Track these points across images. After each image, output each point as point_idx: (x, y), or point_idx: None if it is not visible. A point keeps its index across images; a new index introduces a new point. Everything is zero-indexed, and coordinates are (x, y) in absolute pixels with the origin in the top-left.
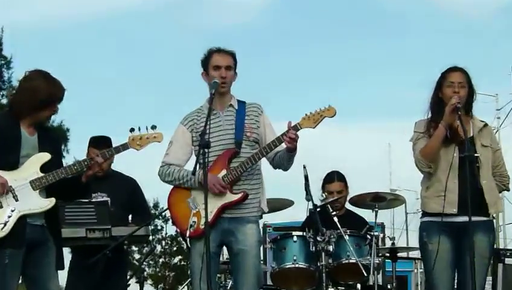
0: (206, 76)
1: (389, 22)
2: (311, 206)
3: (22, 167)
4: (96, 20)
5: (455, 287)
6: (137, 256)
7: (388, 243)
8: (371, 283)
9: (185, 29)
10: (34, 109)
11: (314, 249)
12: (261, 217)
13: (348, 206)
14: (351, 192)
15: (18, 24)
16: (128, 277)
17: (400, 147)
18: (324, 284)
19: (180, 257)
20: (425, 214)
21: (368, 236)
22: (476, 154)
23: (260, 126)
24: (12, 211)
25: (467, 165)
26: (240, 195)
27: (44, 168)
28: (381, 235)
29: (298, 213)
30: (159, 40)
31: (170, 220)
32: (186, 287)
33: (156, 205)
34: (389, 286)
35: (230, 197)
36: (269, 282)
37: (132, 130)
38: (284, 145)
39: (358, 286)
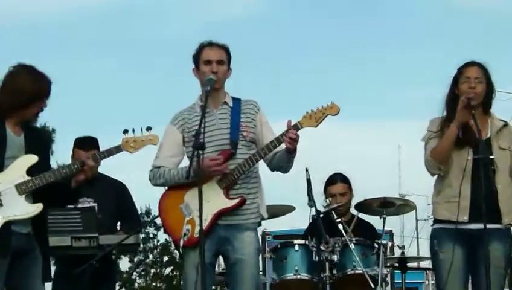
0: (197, 72)
1: (400, 19)
2: (314, 213)
3: (6, 169)
4: (83, 14)
5: None
6: (127, 265)
7: (397, 252)
8: None
9: (180, 24)
10: (19, 106)
11: (317, 259)
12: (259, 224)
13: (354, 212)
14: (357, 197)
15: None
16: (117, 289)
17: (411, 149)
18: None
19: (171, 267)
20: (436, 220)
21: (376, 245)
22: (491, 157)
23: (257, 125)
24: None
25: (480, 169)
26: (236, 200)
27: (31, 171)
28: (390, 243)
29: (300, 220)
30: (152, 34)
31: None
32: None
33: (148, 212)
34: None
35: (227, 203)
36: None
37: (126, 131)
38: (283, 146)
39: None
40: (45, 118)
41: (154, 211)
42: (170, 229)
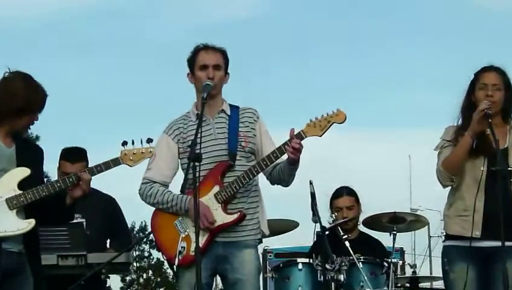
0: (192, 77)
1: (409, 18)
2: (318, 229)
3: None
4: (67, 17)
5: None
6: (118, 286)
7: (408, 272)
8: None
9: (172, 25)
10: (10, 114)
11: (322, 279)
12: (260, 241)
13: (362, 228)
14: (365, 212)
15: None
16: None
17: (423, 160)
18: None
19: (163, 288)
20: (447, 236)
21: (385, 263)
22: (509, 169)
23: (256, 134)
24: None
25: (498, 181)
26: (236, 215)
27: (23, 184)
28: (400, 262)
29: (304, 237)
30: (142, 37)
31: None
32: None
33: (143, 229)
34: None
35: (225, 218)
36: None
37: (125, 143)
38: (284, 157)
39: None
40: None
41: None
42: (164, 246)
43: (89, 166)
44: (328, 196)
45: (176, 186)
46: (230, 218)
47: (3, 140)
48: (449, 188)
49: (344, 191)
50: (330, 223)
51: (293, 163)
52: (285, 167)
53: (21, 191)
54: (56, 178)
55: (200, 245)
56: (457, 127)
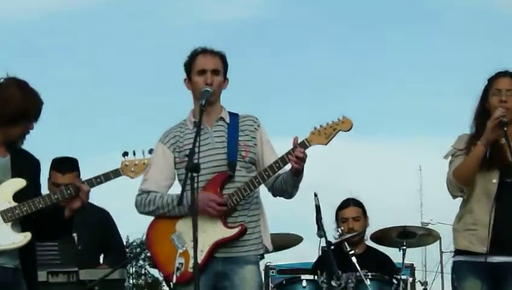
0: (189, 83)
1: (420, 15)
2: (323, 244)
3: None
4: (57, 18)
5: None
6: None
7: (419, 289)
8: None
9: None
10: (3, 123)
11: None
12: (262, 256)
13: (369, 243)
14: (373, 226)
15: None
16: None
17: (434, 170)
18: None
19: None
20: (456, 251)
21: (394, 280)
22: None
23: (257, 144)
24: None
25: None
26: (237, 229)
27: (18, 196)
28: (411, 279)
29: (308, 252)
30: (138, 37)
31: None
32: None
33: (141, 244)
34: None
35: (225, 232)
36: None
37: (126, 154)
38: (287, 168)
39: None
40: None
41: None
42: (161, 263)
43: (89, 177)
44: (334, 208)
45: None
46: (231, 232)
47: None
48: (461, 200)
49: (351, 202)
50: (336, 238)
51: (297, 173)
52: (289, 178)
53: (16, 203)
54: (46, 189)
55: (199, 261)
56: (470, 136)
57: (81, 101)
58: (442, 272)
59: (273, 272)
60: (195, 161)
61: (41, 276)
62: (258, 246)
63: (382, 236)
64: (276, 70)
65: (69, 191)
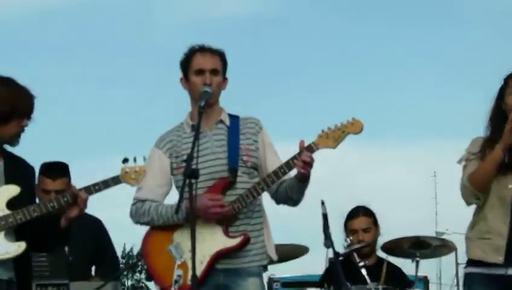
0: (186, 83)
1: (436, 10)
2: (331, 255)
3: None
4: (48, 14)
5: None
6: None
7: None
8: None
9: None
10: None
11: None
12: (266, 268)
13: (380, 254)
14: (384, 236)
15: None
16: None
17: (450, 176)
18: None
19: None
20: (469, 262)
21: None
22: None
23: (259, 147)
24: None
25: None
26: (239, 239)
27: (12, 204)
28: None
29: (314, 264)
30: (133, 35)
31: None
32: None
33: (138, 255)
34: None
35: (227, 242)
36: None
37: (126, 160)
38: (292, 173)
39: None
40: None
41: None
42: (157, 275)
43: (87, 185)
44: (342, 217)
45: None
46: (233, 242)
47: None
48: (474, 207)
49: (360, 212)
50: (344, 248)
51: (303, 180)
52: (294, 184)
53: (10, 211)
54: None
55: (199, 273)
56: (485, 138)
57: (73, 102)
58: (458, 285)
59: (277, 285)
60: (194, 167)
61: None
62: (261, 256)
63: (394, 247)
64: (277, 69)
65: (65, 199)
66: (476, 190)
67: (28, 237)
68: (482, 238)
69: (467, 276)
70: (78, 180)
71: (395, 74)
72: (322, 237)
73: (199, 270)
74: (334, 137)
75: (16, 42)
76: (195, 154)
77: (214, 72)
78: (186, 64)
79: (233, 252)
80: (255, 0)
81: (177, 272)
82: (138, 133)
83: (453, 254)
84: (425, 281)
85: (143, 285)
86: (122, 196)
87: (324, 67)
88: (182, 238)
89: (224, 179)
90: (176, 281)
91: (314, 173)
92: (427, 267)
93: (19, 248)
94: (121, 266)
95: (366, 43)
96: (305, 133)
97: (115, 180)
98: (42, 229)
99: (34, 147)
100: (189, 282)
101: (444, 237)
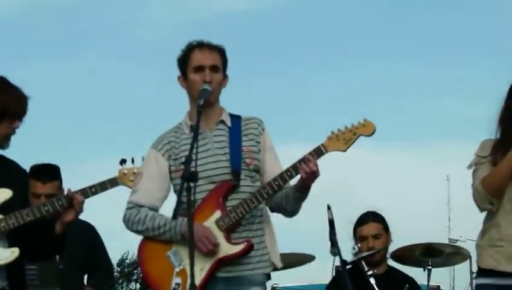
0: (184, 81)
1: (449, 6)
2: (338, 263)
3: None
4: (37, 8)
5: None
6: None
7: None
8: None
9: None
10: None
11: None
12: (269, 276)
13: (390, 263)
14: (395, 243)
15: None
16: None
17: (464, 180)
18: None
19: None
20: (480, 272)
21: None
22: None
23: (261, 149)
24: None
25: None
26: (242, 245)
27: (3, 208)
28: None
29: (320, 272)
30: (129, 31)
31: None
32: None
33: (134, 263)
34: None
35: (229, 249)
36: None
37: (123, 161)
38: (291, 181)
39: None
40: None
41: None
42: (155, 283)
43: (82, 187)
44: (351, 224)
45: (167, 211)
46: (235, 249)
47: None
48: (484, 213)
49: (370, 217)
50: (353, 256)
51: (303, 189)
52: (291, 194)
53: (1, 216)
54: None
55: (198, 282)
56: (496, 141)
57: (67, 101)
58: None
59: None
60: (193, 169)
61: None
62: (264, 264)
63: (404, 254)
64: (279, 67)
65: (60, 202)
66: (490, 194)
67: (22, 243)
68: (493, 245)
69: (478, 288)
70: (74, 185)
71: (406, 72)
72: (328, 244)
73: (199, 279)
74: (344, 139)
75: (5, 38)
76: (194, 157)
77: (213, 68)
78: (184, 61)
79: (234, 260)
80: None
81: (176, 280)
82: (134, 134)
83: (467, 263)
84: None
85: None
86: (118, 199)
87: (327, 65)
88: (181, 244)
89: (227, 182)
90: (174, 289)
91: (321, 175)
92: (440, 276)
93: (12, 255)
94: (116, 274)
95: (373, 41)
96: (312, 134)
97: (112, 182)
98: (36, 235)
99: (25, 149)
100: None
101: (457, 244)
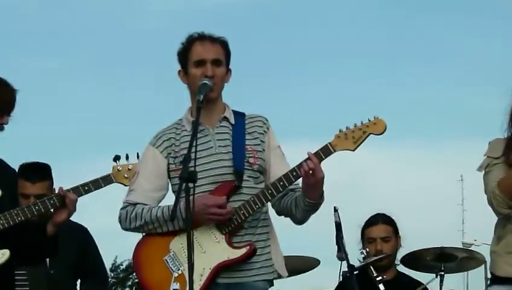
0: (185, 76)
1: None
2: (345, 268)
3: None
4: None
5: None
6: None
7: None
8: None
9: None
10: None
11: None
12: (272, 283)
13: (400, 268)
14: (405, 248)
15: None
16: None
17: (479, 181)
18: None
19: None
20: (494, 279)
21: None
22: None
23: (265, 149)
24: None
25: None
26: (244, 249)
27: None
28: None
29: (326, 278)
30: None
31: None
32: None
33: (129, 267)
34: None
35: (231, 253)
36: None
37: (117, 158)
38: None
39: None
40: None
41: None
42: (151, 289)
43: (75, 185)
44: (359, 226)
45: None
46: (238, 253)
47: None
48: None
49: (379, 219)
50: (360, 261)
51: (312, 195)
52: (301, 201)
53: None
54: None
55: (198, 288)
56: (507, 140)
57: (61, 97)
58: None
59: None
60: (192, 169)
61: None
62: (267, 270)
63: (415, 259)
64: (281, 65)
65: (52, 202)
66: (508, 198)
67: (12, 245)
68: (510, 252)
69: None
70: (66, 185)
71: (416, 70)
72: (334, 248)
73: (198, 285)
74: (354, 138)
75: None
76: (193, 155)
77: (215, 62)
78: (184, 54)
79: (237, 265)
80: None
81: (174, 285)
82: (131, 130)
83: (482, 268)
84: None
85: None
86: (113, 198)
87: (338, 60)
88: (179, 248)
89: (229, 183)
90: None
91: (328, 176)
92: (453, 282)
93: (3, 257)
94: (110, 280)
95: (387, 37)
96: (319, 133)
97: (106, 180)
98: (27, 236)
99: (15, 147)
100: None
101: (471, 248)
